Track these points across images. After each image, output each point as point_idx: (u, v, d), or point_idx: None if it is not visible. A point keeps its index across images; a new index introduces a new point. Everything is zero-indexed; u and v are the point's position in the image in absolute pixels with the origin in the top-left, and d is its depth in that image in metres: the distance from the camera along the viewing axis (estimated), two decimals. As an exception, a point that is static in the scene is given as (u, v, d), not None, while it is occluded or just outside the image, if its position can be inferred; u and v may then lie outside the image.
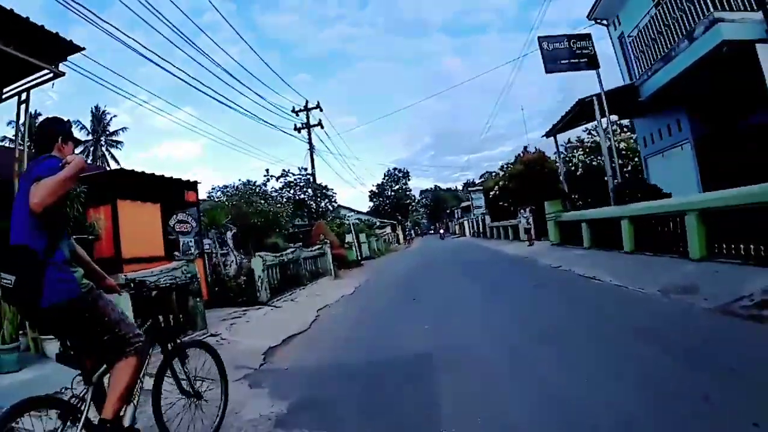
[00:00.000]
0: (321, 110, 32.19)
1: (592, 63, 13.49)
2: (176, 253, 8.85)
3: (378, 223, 50.35)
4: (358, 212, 48.65)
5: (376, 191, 64.38)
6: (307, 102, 31.63)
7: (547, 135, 16.56)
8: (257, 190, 22.33)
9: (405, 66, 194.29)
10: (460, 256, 17.88)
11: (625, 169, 18.51)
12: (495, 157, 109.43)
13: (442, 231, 62.01)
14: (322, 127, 32.51)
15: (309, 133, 31.93)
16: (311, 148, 32.28)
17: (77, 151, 3.35)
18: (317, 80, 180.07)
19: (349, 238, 23.72)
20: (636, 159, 18.44)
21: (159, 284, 4.83)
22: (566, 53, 13.60)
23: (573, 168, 20.51)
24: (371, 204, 65.44)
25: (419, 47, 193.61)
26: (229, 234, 12.46)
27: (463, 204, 63.55)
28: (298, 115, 31.60)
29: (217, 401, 3.22)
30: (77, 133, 8.45)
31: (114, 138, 43.07)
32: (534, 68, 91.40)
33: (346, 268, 19.55)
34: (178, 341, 3.01)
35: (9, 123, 28.70)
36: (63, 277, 2.21)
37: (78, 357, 2.38)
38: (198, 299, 7.05)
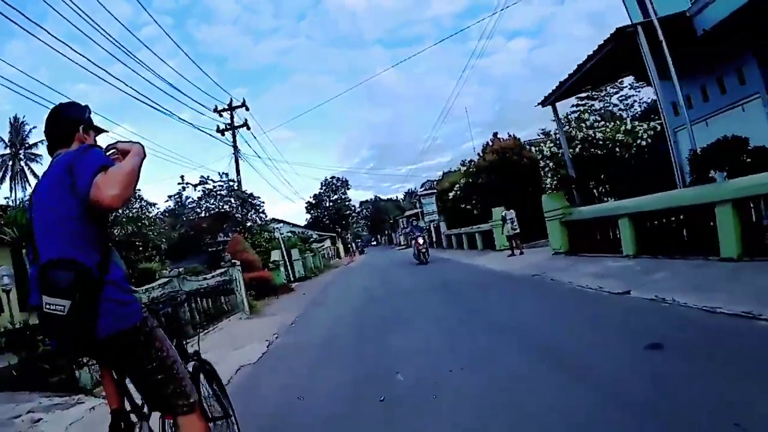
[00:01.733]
0: (247, 109, 27.13)
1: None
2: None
3: (316, 237, 44.84)
4: (295, 225, 42.75)
5: (314, 202, 58.67)
6: (231, 100, 26.14)
7: (545, 103, 12.22)
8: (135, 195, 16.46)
9: (342, 79, 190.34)
10: (431, 276, 13.08)
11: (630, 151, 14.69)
12: (434, 167, 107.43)
13: (374, 242, 57.05)
14: (249, 128, 27.29)
15: (234, 135, 26.48)
16: (236, 152, 26.81)
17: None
18: (254, 93, 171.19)
19: (276, 255, 18.25)
20: (646, 136, 14.68)
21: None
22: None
23: (581, 146, 16.04)
24: (309, 216, 59.62)
25: (356, 60, 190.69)
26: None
27: (409, 212, 59.42)
28: (221, 116, 26.30)
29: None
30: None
31: (34, 151, 38.97)
32: (471, 79, 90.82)
33: (272, 296, 14.16)
34: (200, 353, 2.60)
35: None
36: (123, 299, 1.79)
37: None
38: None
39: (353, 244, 62.46)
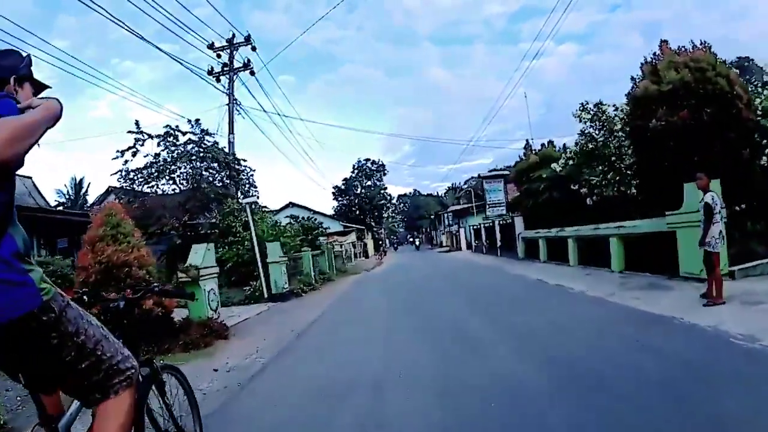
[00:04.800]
0: (254, 48, 18.86)
1: None
2: None
3: (340, 228, 36.19)
4: (316, 212, 34.16)
5: (342, 188, 50.10)
6: (233, 36, 18.32)
7: None
8: None
9: (390, 72, 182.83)
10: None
11: None
12: (475, 168, 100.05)
13: (417, 242, 48.29)
14: (253, 74, 19.18)
15: (231, 79, 18.58)
16: (231, 101, 18.52)
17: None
18: (301, 82, 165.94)
19: (275, 251, 9.58)
20: None
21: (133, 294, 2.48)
22: None
23: None
24: (336, 205, 51.20)
25: (406, 55, 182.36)
26: None
27: (454, 208, 49.88)
28: (219, 57, 18.44)
29: None
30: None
31: None
32: (519, 81, 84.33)
33: (167, 344, 5.49)
34: (155, 365, 2.27)
35: None
36: (13, 279, 1.39)
37: (36, 396, 1.67)
38: None
39: (386, 241, 53.59)
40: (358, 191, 50.31)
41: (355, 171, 51.22)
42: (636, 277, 9.41)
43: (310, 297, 12.24)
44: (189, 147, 14.84)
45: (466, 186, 71.42)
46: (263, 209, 16.27)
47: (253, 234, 10.91)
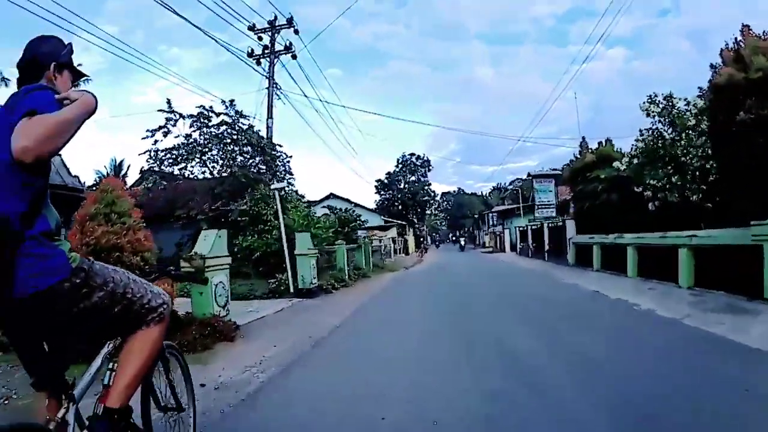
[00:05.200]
0: (296, 32, 18.35)
1: None
2: None
3: (380, 222, 35.17)
4: (358, 205, 33.24)
5: (386, 182, 49.02)
6: (275, 17, 17.56)
7: None
8: None
9: (436, 69, 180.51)
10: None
11: None
12: (520, 170, 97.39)
13: (462, 241, 46.63)
14: (294, 57, 18.43)
15: (271, 62, 17.81)
16: (271, 85, 17.96)
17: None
18: (349, 75, 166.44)
19: (304, 241, 8.66)
20: None
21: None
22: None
23: None
24: (378, 199, 50.19)
25: (453, 52, 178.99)
26: None
27: (499, 208, 47.72)
28: (261, 40, 17.79)
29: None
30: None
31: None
32: (567, 84, 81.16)
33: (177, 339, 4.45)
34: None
35: None
36: (45, 253, 1.53)
37: (56, 368, 1.65)
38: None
39: (427, 238, 52.27)
40: (401, 186, 49.13)
41: (399, 165, 50.10)
42: (709, 295, 7.71)
43: (339, 295, 11.13)
44: (222, 129, 14.13)
45: (511, 187, 68.78)
46: (299, 197, 15.38)
47: (281, 222, 9.94)
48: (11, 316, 1.54)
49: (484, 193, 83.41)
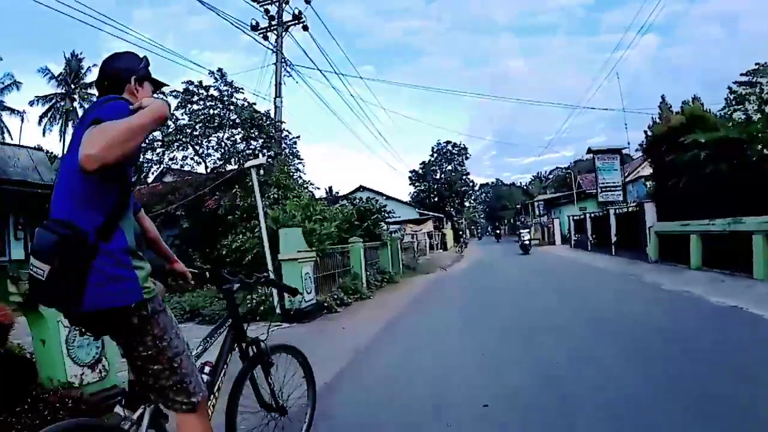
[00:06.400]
0: (308, 1, 15.42)
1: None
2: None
3: (414, 216, 32.13)
4: (389, 198, 30.28)
5: (420, 172, 45.83)
6: None
7: None
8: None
9: (468, 63, 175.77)
10: None
11: None
12: (557, 161, 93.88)
13: (498, 231, 42.99)
14: (306, 29, 16.17)
15: (279, 35, 15.36)
16: (279, 60, 15.45)
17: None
18: (381, 72, 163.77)
19: (296, 239, 5.82)
20: None
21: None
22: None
23: None
24: (413, 190, 47.08)
25: (484, 45, 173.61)
26: None
27: (545, 197, 43.58)
28: (268, 12, 15.31)
29: (301, 416, 2.65)
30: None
31: (90, 91, 32.66)
32: (601, 73, 76.10)
33: None
34: (262, 345, 2.36)
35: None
36: (118, 274, 1.50)
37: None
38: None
39: (467, 232, 48.81)
40: (437, 176, 45.80)
41: (434, 154, 46.70)
42: None
43: (345, 317, 7.69)
44: (210, 106, 11.56)
45: (552, 176, 63.95)
46: (304, 183, 12.58)
47: (261, 214, 7.07)
48: (86, 325, 1.62)
49: (522, 184, 79.06)
